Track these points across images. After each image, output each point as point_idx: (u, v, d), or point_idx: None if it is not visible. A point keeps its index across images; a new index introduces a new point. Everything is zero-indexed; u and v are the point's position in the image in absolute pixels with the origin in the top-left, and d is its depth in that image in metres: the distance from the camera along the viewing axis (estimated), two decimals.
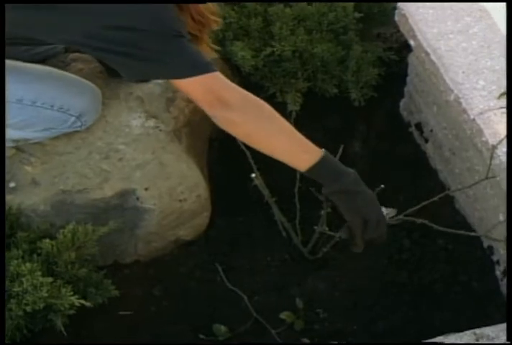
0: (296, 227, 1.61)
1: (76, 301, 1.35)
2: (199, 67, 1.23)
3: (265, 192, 1.50)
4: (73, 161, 1.53)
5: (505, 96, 1.43)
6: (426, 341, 1.31)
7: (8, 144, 1.50)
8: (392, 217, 1.41)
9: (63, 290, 1.35)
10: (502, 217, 1.50)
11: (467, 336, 1.28)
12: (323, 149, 1.30)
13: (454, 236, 1.63)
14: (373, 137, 1.91)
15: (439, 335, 1.33)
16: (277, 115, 1.29)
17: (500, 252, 1.58)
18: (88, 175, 1.52)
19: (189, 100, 1.66)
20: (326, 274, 1.62)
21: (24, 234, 1.46)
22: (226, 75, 1.29)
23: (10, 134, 1.46)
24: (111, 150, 1.54)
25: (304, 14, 1.85)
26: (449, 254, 1.65)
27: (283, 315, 1.54)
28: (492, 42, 1.55)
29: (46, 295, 1.32)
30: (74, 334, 1.46)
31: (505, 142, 1.36)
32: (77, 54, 1.64)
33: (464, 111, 1.45)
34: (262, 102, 1.28)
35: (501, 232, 1.43)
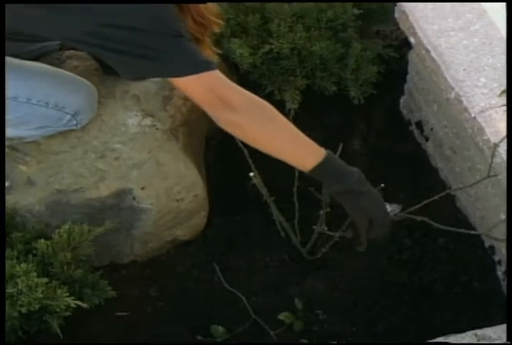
0: (295, 227, 1.61)
1: (72, 302, 1.34)
2: (199, 66, 1.23)
3: (264, 191, 1.50)
4: (69, 160, 1.53)
5: (505, 94, 1.43)
6: (430, 341, 1.31)
7: None
8: (396, 214, 1.41)
9: (59, 291, 1.35)
10: (503, 216, 1.50)
11: (468, 336, 1.28)
12: (326, 150, 1.30)
13: (455, 235, 1.63)
14: (373, 136, 1.91)
15: (439, 336, 1.33)
16: (279, 115, 1.29)
17: (502, 252, 1.58)
18: (84, 174, 1.52)
19: (186, 99, 1.66)
20: (325, 275, 1.62)
21: (19, 234, 1.45)
22: (224, 73, 1.29)
23: None
24: (107, 149, 1.54)
25: (303, 11, 1.85)
26: (449, 253, 1.65)
27: (282, 316, 1.54)
28: (494, 39, 1.55)
29: (41, 296, 1.31)
30: (70, 336, 1.46)
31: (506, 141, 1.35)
32: (72, 52, 1.63)
33: (465, 109, 1.45)
34: (264, 102, 1.28)
35: (503, 231, 1.43)
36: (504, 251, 1.55)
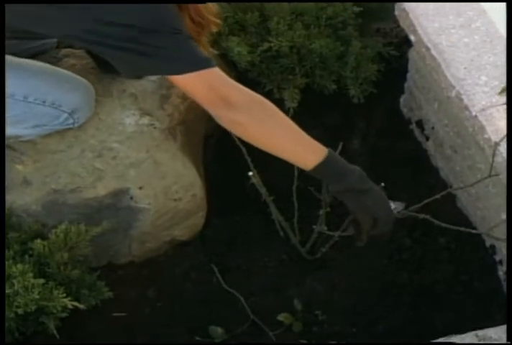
0: (294, 226, 1.61)
1: (69, 303, 1.34)
2: (198, 63, 1.23)
3: (263, 190, 1.50)
4: (66, 159, 1.52)
5: (505, 93, 1.43)
6: (433, 341, 1.31)
7: None
8: (399, 212, 1.41)
9: (55, 292, 1.34)
10: (504, 216, 1.49)
11: (469, 337, 1.28)
12: (327, 148, 1.31)
13: (455, 235, 1.64)
14: (373, 135, 1.91)
15: (440, 336, 1.33)
16: (280, 113, 1.30)
17: (503, 252, 1.58)
18: (81, 173, 1.52)
19: (184, 97, 1.66)
20: (325, 275, 1.62)
21: (15, 235, 1.45)
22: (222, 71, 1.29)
23: None
24: (104, 148, 1.54)
25: (302, 9, 1.85)
26: (450, 253, 1.65)
27: (281, 317, 1.54)
28: (495, 37, 1.55)
29: (38, 297, 1.31)
30: (67, 337, 1.46)
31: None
32: (69, 50, 1.63)
33: (466, 107, 1.45)
34: (265, 100, 1.29)
35: (504, 231, 1.43)
36: (505, 251, 1.55)
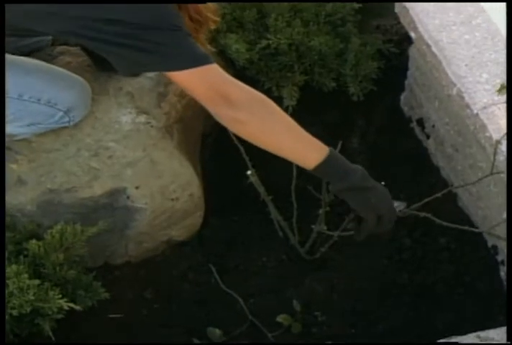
0: (293, 226, 1.60)
1: (65, 304, 1.34)
2: (197, 59, 1.23)
3: (261, 190, 1.50)
4: (61, 158, 1.52)
5: (505, 90, 1.43)
6: (439, 341, 1.31)
7: None
8: (401, 210, 1.41)
9: (51, 293, 1.34)
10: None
11: (470, 339, 1.28)
12: (329, 147, 1.31)
13: (456, 234, 1.64)
14: (373, 133, 1.90)
15: (441, 338, 1.33)
16: (281, 112, 1.30)
17: (505, 252, 1.58)
18: (77, 173, 1.51)
19: (181, 95, 1.66)
20: (324, 275, 1.62)
21: (10, 235, 1.45)
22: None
23: None
24: (100, 147, 1.53)
25: (300, 5, 1.84)
26: (451, 253, 1.65)
27: (280, 318, 1.54)
28: (496, 34, 1.55)
29: (33, 298, 1.31)
30: (63, 338, 1.45)
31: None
32: (64, 47, 1.63)
33: (467, 105, 1.45)
34: (265, 98, 1.29)
35: (505, 231, 1.43)
36: (507, 251, 1.55)
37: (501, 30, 1.56)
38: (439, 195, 1.42)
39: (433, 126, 1.80)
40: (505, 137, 1.35)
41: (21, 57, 1.47)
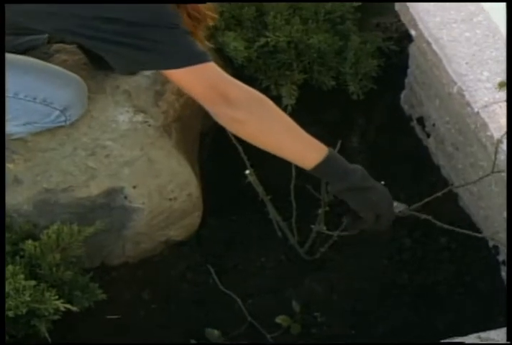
0: (292, 226, 1.60)
1: (61, 305, 1.34)
2: (195, 57, 1.23)
3: (260, 189, 1.50)
4: (57, 158, 1.52)
5: (505, 87, 1.42)
6: (444, 341, 1.31)
7: None
8: (401, 211, 1.41)
9: (47, 294, 1.34)
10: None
11: (471, 339, 1.28)
12: (328, 147, 1.31)
13: (457, 234, 1.63)
14: (373, 132, 1.90)
15: (441, 338, 1.33)
16: (280, 111, 1.30)
17: (506, 252, 1.58)
18: (73, 172, 1.51)
19: (179, 94, 1.66)
20: (324, 276, 1.62)
21: (7, 235, 1.44)
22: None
23: None
24: (97, 146, 1.53)
25: (299, 3, 1.84)
26: (452, 253, 1.65)
27: (279, 319, 1.54)
28: (497, 31, 1.54)
29: (29, 299, 1.31)
30: (59, 340, 1.45)
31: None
32: (60, 45, 1.63)
33: (468, 103, 1.45)
34: (263, 97, 1.29)
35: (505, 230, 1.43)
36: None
37: (501, 30, 1.55)
38: (439, 194, 1.42)
39: (434, 124, 1.80)
40: (506, 136, 1.35)
41: (17, 56, 1.47)
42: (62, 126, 1.52)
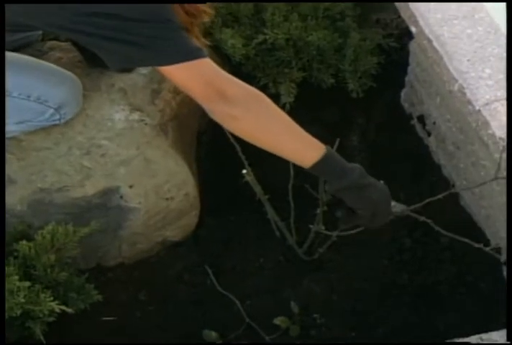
0: (291, 226, 1.60)
1: (56, 307, 1.33)
2: (190, 53, 1.23)
3: (257, 189, 1.49)
4: (52, 157, 1.51)
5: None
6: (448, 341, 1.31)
7: None
8: (397, 211, 1.41)
9: (42, 296, 1.33)
10: None
11: (473, 341, 1.28)
12: (326, 145, 1.31)
13: (458, 235, 1.63)
14: (372, 130, 1.90)
15: (442, 339, 1.33)
16: (278, 109, 1.29)
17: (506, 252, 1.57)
18: (68, 172, 1.51)
19: (176, 92, 1.65)
20: (323, 277, 1.62)
21: None
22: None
23: None
24: (92, 145, 1.53)
25: None
26: (453, 253, 1.65)
27: (277, 321, 1.53)
28: (499, 28, 1.54)
29: (23, 300, 1.30)
30: (54, 342, 1.44)
31: None
32: (54, 43, 1.63)
33: (469, 101, 1.44)
34: (260, 94, 1.28)
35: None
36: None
37: (503, 29, 1.55)
38: (440, 196, 1.41)
39: (435, 123, 1.79)
40: (506, 135, 1.35)
41: (11, 53, 1.46)
42: (56, 125, 1.52)
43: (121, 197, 1.53)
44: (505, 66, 1.47)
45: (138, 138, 1.55)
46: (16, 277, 1.32)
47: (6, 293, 1.30)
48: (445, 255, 1.65)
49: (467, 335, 1.31)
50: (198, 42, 1.35)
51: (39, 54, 1.58)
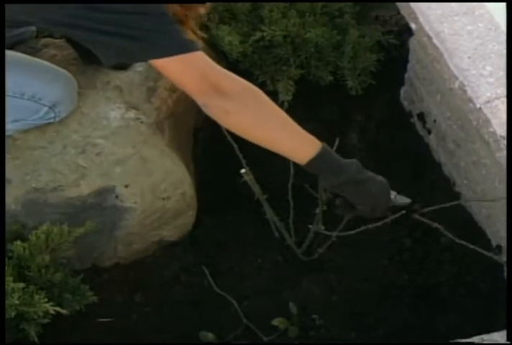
0: (290, 226, 1.60)
1: (51, 308, 1.33)
2: (184, 46, 1.23)
3: (256, 188, 1.49)
4: (47, 156, 1.51)
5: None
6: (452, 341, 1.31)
7: None
8: (395, 204, 1.41)
9: (36, 297, 1.33)
10: None
11: (474, 341, 1.28)
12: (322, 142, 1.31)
13: (459, 234, 1.63)
14: (372, 128, 1.90)
15: (442, 340, 1.33)
16: (273, 104, 1.29)
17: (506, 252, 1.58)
18: (63, 171, 1.50)
19: (172, 90, 1.65)
20: (322, 277, 1.62)
21: None
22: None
23: None
24: (87, 144, 1.53)
25: None
26: (453, 254, 1.65)
27: (276, 322, 1.53)
28: (500, 24, 1.54)
29: (17, 302, 1.30)
30: (49, 344, 1.44)
31: None
32: (49, 40, 1.62)
33: (470, 99, 1.44)
34: (257, 89, 1.28)
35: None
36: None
37: (503, 26, 1.55)
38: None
39: (435, 121, 1.79)
40: (506, 133, 1.35)
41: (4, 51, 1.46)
42: (51, 123, 1.52)
43: (117, 196, 1.53)
44: (505, 63, 1.47)
45: (134, 136, 1.55)
46: (11, 278, 1.32)
47: None
48: (445, 255, 1.65)
49: (468, 336, 1.31)
50: (194, 34, 1.35)
51: (33, 52, 1.58)
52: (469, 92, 1.45)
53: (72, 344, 1.50)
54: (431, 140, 1.84)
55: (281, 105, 1.70)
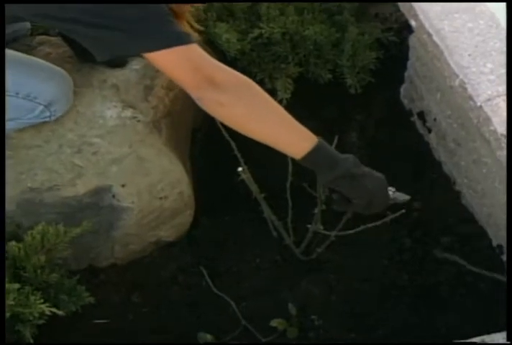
0: (288, 226, 1.60)
1: (47, 309, 1.33)
2: (178, 38, 1.23)
3: (253, 187, 1.49)
4: (42, 155, 1.51)
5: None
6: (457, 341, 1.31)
7: None
8: (394, 198, 1.41)
9: (32, 298, 1.33)
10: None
11: (474, 342, 1.28)
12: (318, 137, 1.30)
13: (459, 234, 1.63)
14: (371, 127, 1.90)
15: (442, 340, 1.32)
16: (268, 97, 1.29)
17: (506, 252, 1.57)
18: (59, 170, 1.50)
19: (169, 88, 1.65)
20: (321, 277, 1.62)
21: None
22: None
23: None
24: (83, 143, 1.52)
25: None
26: (454, 253, 1.65)
27: (275, 323, 1.53)
28: (501, 21, 1.54)
29: (13, 303, 1.30)
30: None
31: None
32: (44, 37, 1.62)
33: (470, 97, 1.44)
34: (252, 82, 1.28)
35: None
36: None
37: (503, 23, 1.55)
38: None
39: (435, 119, 1.79)
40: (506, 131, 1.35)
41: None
42: (46, 122, 1.52)
43: (114, 196, 1.53)
44: (506, 60, 1.47)
45: (130, 135, 1.55)
46: (6, 279, 1.32)
47: None
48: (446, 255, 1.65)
49: (468, 336, 1.31)
50: (190, 27, 1.35)
51: (28, 49, 1.58)
52: (469, 90, 1.44)
53: None
54: (432, 139, 1.84)
55: (279, 103, 1.69)
